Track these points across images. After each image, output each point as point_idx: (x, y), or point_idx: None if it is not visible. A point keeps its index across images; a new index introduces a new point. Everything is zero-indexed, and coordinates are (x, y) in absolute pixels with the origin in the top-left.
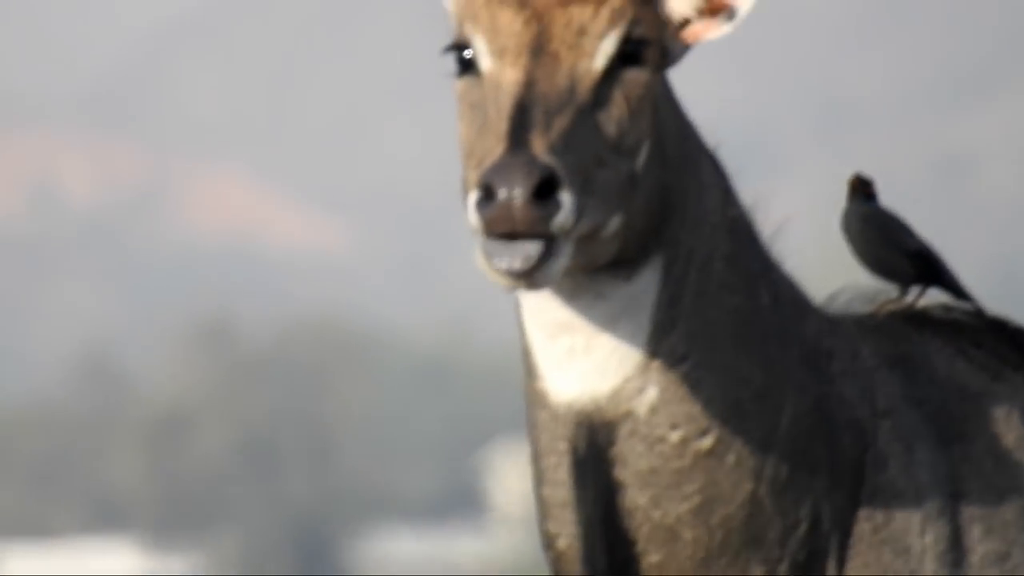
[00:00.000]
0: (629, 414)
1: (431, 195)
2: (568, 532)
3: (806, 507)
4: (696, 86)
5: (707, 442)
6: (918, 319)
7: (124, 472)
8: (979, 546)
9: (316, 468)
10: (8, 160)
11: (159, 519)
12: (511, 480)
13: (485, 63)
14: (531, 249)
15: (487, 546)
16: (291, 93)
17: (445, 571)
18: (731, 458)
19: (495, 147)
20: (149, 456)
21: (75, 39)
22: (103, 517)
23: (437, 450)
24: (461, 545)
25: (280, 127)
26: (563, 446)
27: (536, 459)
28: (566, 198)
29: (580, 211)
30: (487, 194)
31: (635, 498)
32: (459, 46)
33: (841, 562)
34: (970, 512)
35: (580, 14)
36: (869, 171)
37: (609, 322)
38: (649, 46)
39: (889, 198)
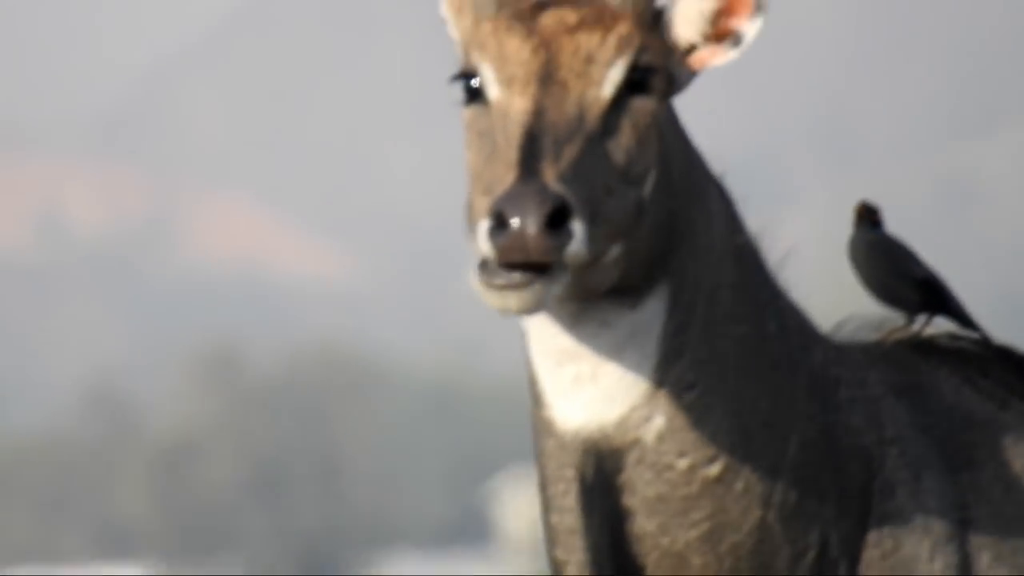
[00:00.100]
0: (637, 442)
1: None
2: (577, 559)
3: (815, 534)
4: (702, 113)
5: (715, 469)
6: (925, 347)
7: (132, 499)
8: (988, 573)
9: (323, 495)
10: (15, 189)
11: (167, 546)
12: (519, 507)
13: (493, 92)
14: (524, 296)
15: (495, 573)
16: (296, 122)
17: None
18: (739, 485)
19: (505, 175)
20: (157, 484)
21: (81, 69)
22: (111, 544)
23: (444, 477)
24: (469, 572)
25: (286, 156)
26: (571, 473)
27: (544, 486)
28: (578, 227)
29: (590, 239)
30: (499, 223)
31: (643, 525)
32: (466, 75)
33: None
34: (979, 539)
35: (588, 42)
36: (875, 199)
37: (615, 350)
38: (656, 73)
39: (895, 226)
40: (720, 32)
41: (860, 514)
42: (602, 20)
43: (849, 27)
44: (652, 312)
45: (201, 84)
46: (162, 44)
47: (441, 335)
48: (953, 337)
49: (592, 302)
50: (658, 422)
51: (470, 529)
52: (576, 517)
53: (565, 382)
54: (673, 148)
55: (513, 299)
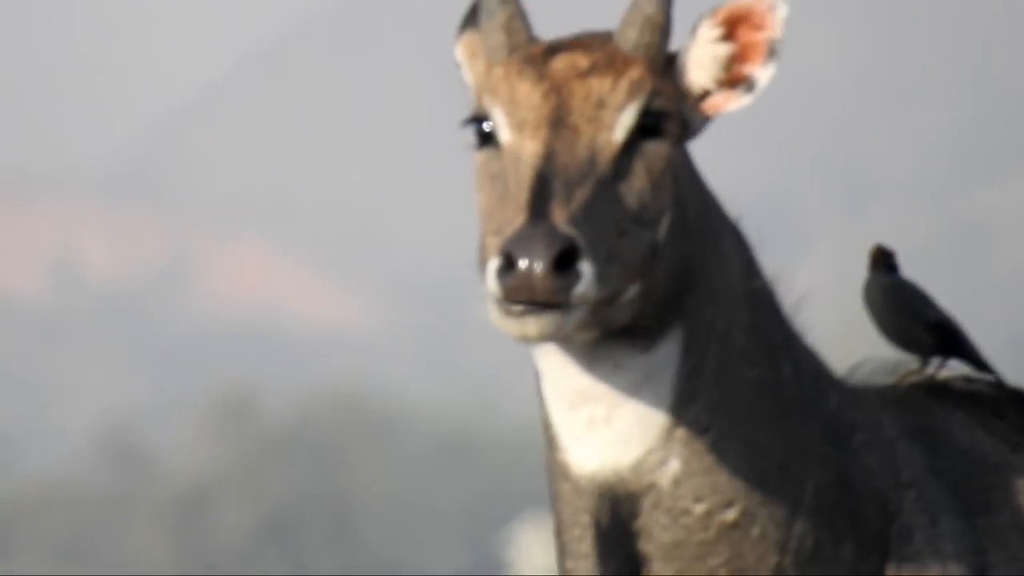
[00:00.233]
0: (652, 486)
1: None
2: None
3: None
4: (717, 158)
5: (732, 514)
6: (939, 390)
7: (146, 548)
8: None
9: (338, 541)
10: (28, 235)
11: None
12: (535, 555)
13: (505, 136)
14: (543, 321)
15: None
16: (312, 167)
17: None
18: (756, 530)
19: (515, 217)
20: (171, 533)
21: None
22: None
23: (461, 526)
24: None
25: (301, 201)
26: (586, 519)
27: (559, 532)
28: (586, 268)
29: (601, 280)
30: (508, 263)
31: (660, 571)
32: (478, 119)
33: None
34: None
35: (599, 86)
36: (890, 242)
37: (630, 392)
38: (669, 118)
39: (910, 269)
40: (733, 78)
41: (877, 559)
42: (614, 65)
43: (863, 70)
44: (666, 354)
45: (216, 130)
46: (177, 90)
47: (456, 380)
48: (967, 380)
49: (606, 344)
50: (674, 466)
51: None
52: (592, 563)
53: (579, 425)
54: (688, 192)
55: (532, 325)
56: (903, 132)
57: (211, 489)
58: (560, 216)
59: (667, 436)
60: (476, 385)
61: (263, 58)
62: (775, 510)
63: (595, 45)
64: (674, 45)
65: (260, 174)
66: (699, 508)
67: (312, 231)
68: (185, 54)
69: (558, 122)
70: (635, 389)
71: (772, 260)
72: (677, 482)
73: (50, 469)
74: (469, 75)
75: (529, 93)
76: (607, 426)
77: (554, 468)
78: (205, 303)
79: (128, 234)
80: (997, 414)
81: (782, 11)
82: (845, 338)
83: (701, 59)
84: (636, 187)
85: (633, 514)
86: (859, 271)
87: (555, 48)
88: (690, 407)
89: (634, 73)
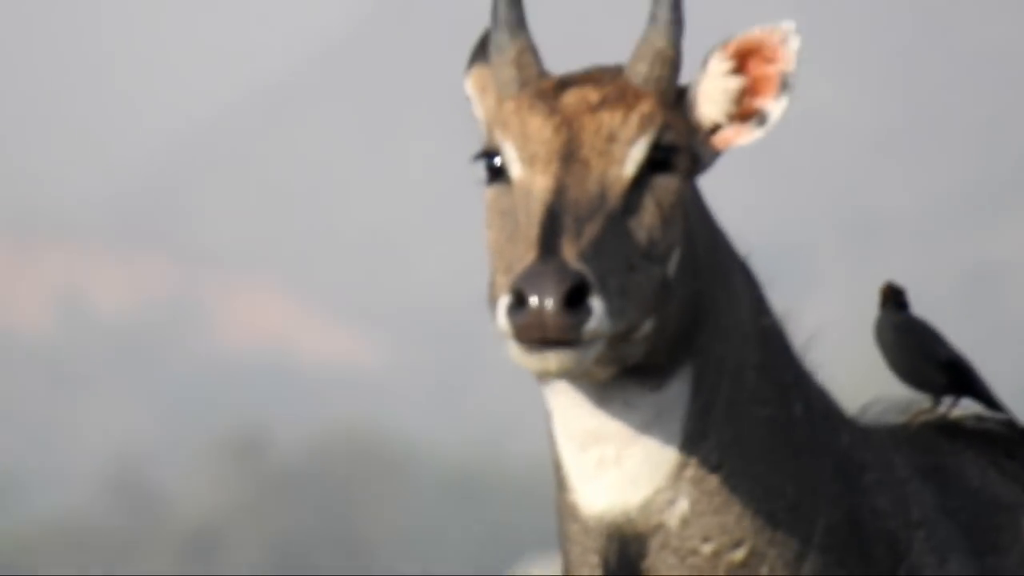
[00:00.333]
0: (660, 526)
1: (463, 310)
2: None
3: None
4: (727, 193)
5: (740, 554)
6: (951, 430)
7: None
8: None
9: None
10: (36, 274)
11: None
12: None
13: (515, 170)
14: (563, 356)
15: None
16: (323, 207)
17: None
18: (764, 570)
19: (525, 254)
20: (181, 572)
21: (103, 152)
22: None
23: (470, 564)
24: None
25: (312, 241)
26: (594, 559)
27: (568, 572)
28: (597, 304)
29: (613, 315)
30: (518, 301)
31: None
32: (489, 153)
33: None
34: None
35: (610, 120)
36: (901, 280)
37: (640, 431)
38: (679, 152)
39: (921, 308)
40: (745, 112)
41: None
42: (624, 99)
43: (875, 109)
44: (676, 392)
45: (227, 169)
46: (186, 128)
47: (465, 419)
48: (979, 419)
49: (617, 382)
50: (682, 505)
51: None
52: None
53: (589, 466)
54: (698, 227)
55: (552, 361)
56: (913, 170)
57: (221, 528)
58: (570, 252)
59: (676, 475)
60: (485, 424)
61: (274, 98)
62: (784, 550)
63: (606, 79)
64: (685, 78)
65: (271, 213)
66: (707, 548)
67: (324, 270)
68: (196, 92)
69: (569, 156)
70: (645, 428)
71: (781, 298)
72: (685, 522)
73: (59, 509)
74: (480, 109)
75: (541, 127)
76: (617, 466)
77: (563, 509)
78: (214, 342)
79: (137, 273)
80: (1009, 453)
81: (794, 43)
82: (856, 376)
83: (712, 92)
84: (646, 222)
85: (641, 554)
86: (870, 309)
87: (566, 82)
88: (700, 445)
89: (645, 107)
